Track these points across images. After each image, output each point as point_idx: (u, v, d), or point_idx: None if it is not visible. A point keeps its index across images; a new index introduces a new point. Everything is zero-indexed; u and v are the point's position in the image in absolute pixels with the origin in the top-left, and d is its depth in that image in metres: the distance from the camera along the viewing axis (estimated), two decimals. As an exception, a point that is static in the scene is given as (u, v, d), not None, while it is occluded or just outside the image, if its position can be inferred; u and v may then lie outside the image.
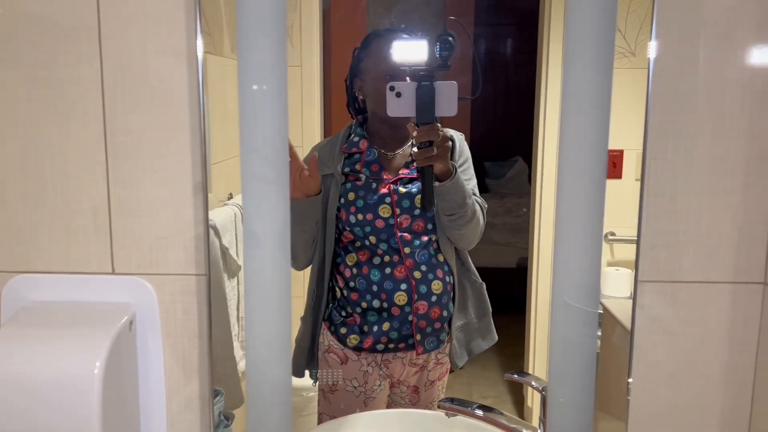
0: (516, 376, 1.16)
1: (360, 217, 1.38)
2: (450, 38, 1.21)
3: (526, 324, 2.55)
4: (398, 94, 1.17)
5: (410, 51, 1.29)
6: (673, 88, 0.90)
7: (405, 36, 1.40)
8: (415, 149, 1.32)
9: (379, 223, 1.38)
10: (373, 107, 1.43)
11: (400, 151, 1.43)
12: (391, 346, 1.44)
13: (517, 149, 3.65)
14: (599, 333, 1.14)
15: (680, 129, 0.91)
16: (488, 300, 1.54)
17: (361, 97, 1.46)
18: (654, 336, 0.95)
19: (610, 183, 0.93)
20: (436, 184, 1.30)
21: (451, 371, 1.55)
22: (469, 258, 1.48)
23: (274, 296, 0.90)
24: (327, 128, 2.57)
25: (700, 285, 0.93)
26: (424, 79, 1.16)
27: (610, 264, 1.49)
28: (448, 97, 1.17)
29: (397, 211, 1.38)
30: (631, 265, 0.94)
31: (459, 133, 1.47)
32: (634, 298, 0.94)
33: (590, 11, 0.85)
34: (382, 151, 1.43)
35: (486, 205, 1.44)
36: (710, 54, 0.89)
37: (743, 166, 0.91)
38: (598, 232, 0.90)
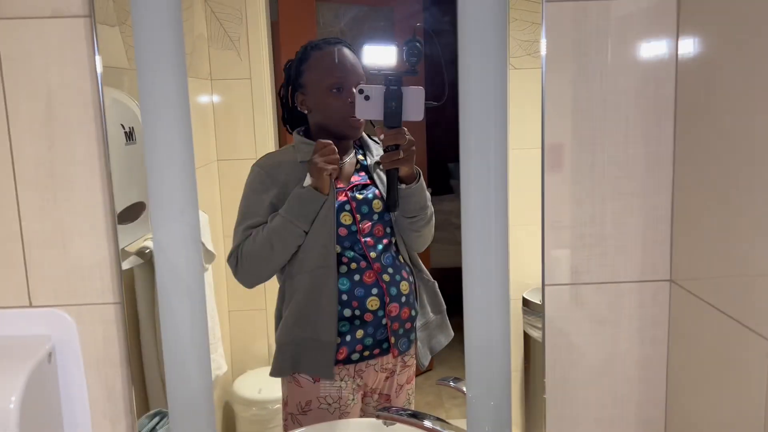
0: (451, 383, 1.17)
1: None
2: (417, 44, 1.23)
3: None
4: (367, 97, 1.20)
5: (379, 55, 1.33)
6: (568, 94, 0.92)
7: (346, 46, 1.42)
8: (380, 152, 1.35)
9: (342, 231, 1.39)
10: (321, 119, 1.44)
11: (347, 159, 1.43)
12: (366, 353, 1.45)
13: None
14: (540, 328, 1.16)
15: (581, 139, 0.92)
16: (441, 297, 1.56)
17: (305, 110, 1.46)
18: (566, 337, 0.97)
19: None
20: (402, 186, 1.33)
21: (419, 373, 1.57)
22: (419, 259, 1.50)
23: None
24: (281, 139, 2.57)
25: (608, 285, 0.95)
26: (392, 83, 1.19)
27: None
28: (415, 102, 1.20)
29: (358, 217, 1.39)
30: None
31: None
32: (542, 301, 0.96)
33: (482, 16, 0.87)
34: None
35: (432, 208, 1.47)
36: (606, 58, 0.91)
37: (642, 170, 0.93)
38: (503, 227, 0.92)
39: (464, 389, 1.12)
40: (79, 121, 0.92)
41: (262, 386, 2.41)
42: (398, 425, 1.17)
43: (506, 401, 0.94)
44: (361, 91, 1.20)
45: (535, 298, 2.19)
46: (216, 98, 2.44)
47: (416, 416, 1.12)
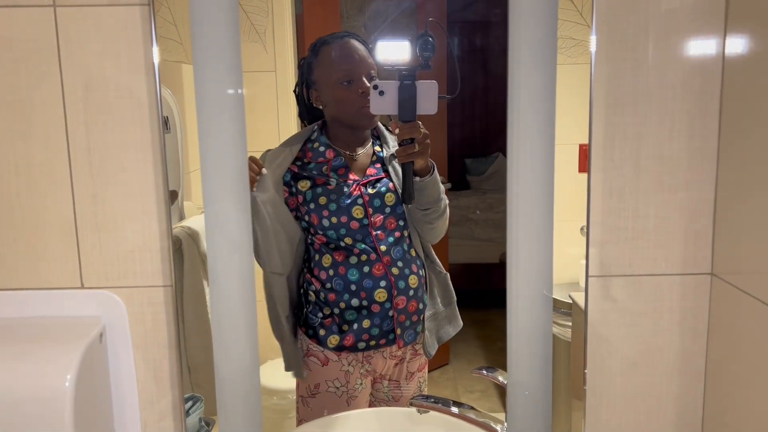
0: (484, 372, 1.19)
1: (334, 220, 1.41)
2: (430, 38, 1.25)
3: (508, 316, 2.59)
4: (381, 93, 1.22)
5: (393, 51, 1.34)
6: (617, 87, 0.93)
7: (354, 39, 1.43)
8: (396, 146, 1.39)
9: (354, 225, 1.41)
10: (335, 113, 1.46)
11: (362, 151, 1.46)
12: (372, 343, 1.47)
13: (497, 145, 3.69)
14: (570, 324, 1.18)
15: (625, 128, 0.94)
16: (452, 289, 1.58)
17: (319, 106, 1.48)
18: (608, 328, 0.98)
19: (583, 177, 0.97)
20: (416, 179, 1.35)
21: (435, 367, 1.59)
22: (432, 250, 1.52)
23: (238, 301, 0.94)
24: (303, 127, 2.60)
25: (650, 278, 0.96)
26: (406, 78, 1.21)
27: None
28: (428, 96, 1.22)
29: (370, 210, 1.41)
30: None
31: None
32: (585, 292, 0.97)
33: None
34: (347, 153, 1.46)
35: (447, 201, 1.49)
36: (651, 53, 0.92)
37: (686, 164, 0.94)
38: (549, 222, 0.94)
39: (500, 379, 1.13)
40: (132, 107, 0.94)
41: (283, 376, 2.44)
42: (432, 414, 1.19)
43: (547, 392, 0.95)
44: (375, 87, 1.23)
45: (557, 294, 2.20)
46: (242, 90, 2.46)
47: (450, 404, 1.14)
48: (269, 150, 1.52)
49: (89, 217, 0.96)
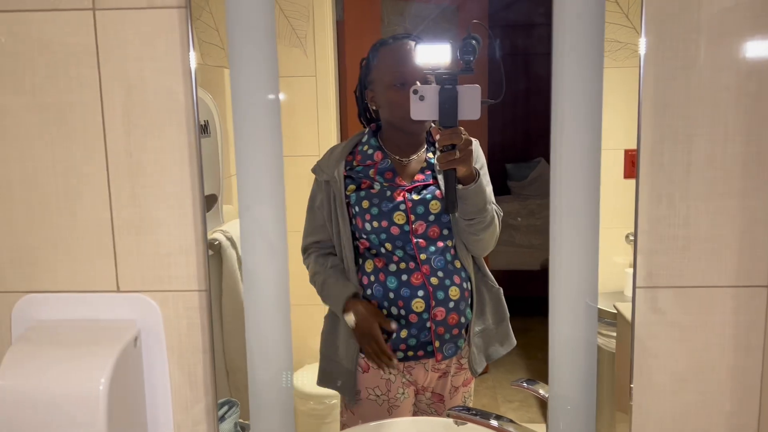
0: (524, 384, 1.15)
1: (375, 224, 1.39)
2: (473, 41, 1.21)
3: (550, 325, 2.53)
4: (421, 98, 1.19)
5: (433, 54, 1.29)
6: (666, 90, 0.89)
7: (413, 41, 1.41)
8: (438, 153, 1.33)
9: (394, 230, 1.38)
10: (387, 116, 1.44)
11: (414, 156, 1.43)
12: (411, 353, 1.44)
13: (539, 150, 3.63)
14: (614, 335, 1.13)
15: (675, 132, 0.89)
16: (506, 305, 1.53)
17: (374, 107, 1.46)
18: (656, 341, 0.93)
19: (629, 183, 0.93)
20: (459, 187, 1.30)
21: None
22: (485, 263, 1.47)
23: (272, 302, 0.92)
24: (343, 137, 2.58)
25: (702, 290, 0.91)
26: (447, 82, 1.17)
27: (631, 265, 1.47)
28: (471, 101, 1.18)
29: (412, 217, 1.38)
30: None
31: (473, 139, 1.47)
32: (633, 304, 0.93)
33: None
34: (397, 157, 1.43)
35: (501, 213, 1.42)
36: (704, 55, 0.87)
37: (741, 170, 0.89)
38: (594, 232, 0.90)
39: (541, 392, 1.09)
40: (170, 111, 0.93)
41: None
42: (470, 426, 1.15)
43: (591, 406, 0.91)
44: (415, 92, 1.19)
45: (601, 304, 2.13)
46: (281, 95, 2.47)
47: (488, 417, 1.10)
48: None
49: (126, 221, 0.96)
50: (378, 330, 1.40)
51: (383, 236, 1.38)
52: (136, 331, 0.96)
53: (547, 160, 2.82)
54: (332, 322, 1.48)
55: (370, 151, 1.45)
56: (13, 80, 0.93)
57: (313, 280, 1.45)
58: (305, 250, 1.50)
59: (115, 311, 0.98)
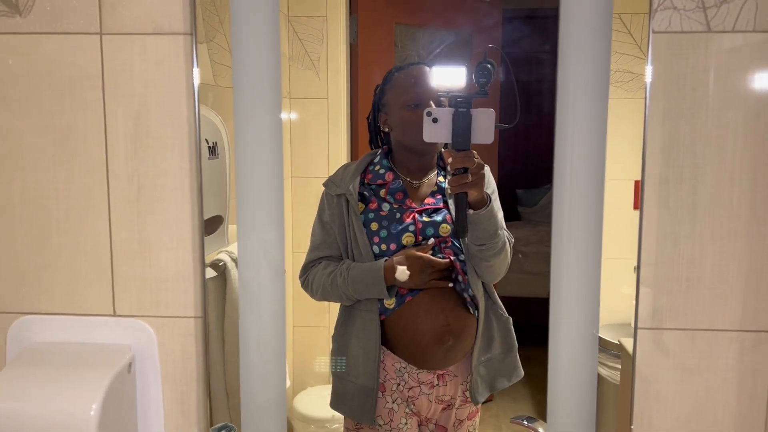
0: (524, 422, 1.12)
1: (384, 247, 1.37)
2: (489, 65, 1.19)
3: (551, 355, 2.49)
4: (435, 120, 1.17)
5: (448, 77, 1.30)
6: (670, 128, 0.87)
7: (428, 66, 1.39)
8: (449, 176, 1.30)
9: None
10: (400, 137, 1.43)
11: (425, 179, 1.41)
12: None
13: (549, 177, 3.61)
14: (618, 369, 1.10)
15: (680, 175, 0.87)
16: (514, 335, 1.49)
17: (386, 129, 1.45)
18: (658, 384, 0.90)
19: (638, 214, 0.91)
20: (470, 212, 1.28)
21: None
22: (495, 292, 1.44)
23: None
24: (353, 156, 2.57)
25: (706, 333, 0.89)
26: (461, 105, 1.15)
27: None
28: (484, 124, 1.16)
29: (420, 239, 1.37)
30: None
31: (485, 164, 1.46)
32: (634, 345, 0.90)
33: (584, 33, 0.83)
34: (408, 179, 1.42)
35: (513, 239, 1.40)
36: (712, 92, 0.85)
37: (748, 212, 0.86)
38: (597, 259, 0.87)
39: (540, 430, 1.06)
40: (172, 136, 0.92)
41: (322, 404, 2.39)
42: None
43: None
44: (429, 114, 1.17)
45: (607, 335, 2.09)
46: (293, 116, 2.47)
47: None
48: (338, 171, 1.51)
49: (125, 245, 0.95)
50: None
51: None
52: (130, 357, 0.95)
53: (557, 186, 2.76)
54: (343, 338, 1.45)
55: (381, 171, 1.43)
56: (19, 102, 0.93)
57: (327, 284, 1.41)
58: (307, 266, 1.47)
59: (110, 335, 0.96)
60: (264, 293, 0.94)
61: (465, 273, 1.37)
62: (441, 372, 1.43)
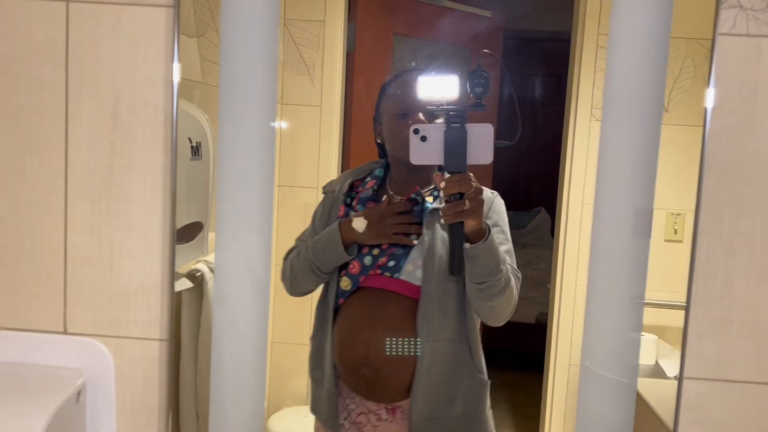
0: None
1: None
2: (484, 74, 1.01)
3: (544, 385, 2.35)
4: (423, 138, 0.98)
5: (438, 87, 1.06)
6: (731, 153, 0.73)
7: (416, 73, 1.19)
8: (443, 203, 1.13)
9: (354, 269, 1.22)
10: (390, 149, 1.27)
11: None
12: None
13: (540, 200, 3.49)
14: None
15: (739, 201, 0.73)
16: (488, 399, 1.26)
17: (379, 140, 1.30)
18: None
19: (668, 246, 0.78)
20: (467, 246, 1.08)
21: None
22: (479, 343, 1.25)
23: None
24: (345, 167, 2.44)
25: (755, 386, 0.75)
26: (454, 120, 0.97)
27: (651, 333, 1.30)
28: (482, 142, 0.97)
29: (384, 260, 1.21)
30: (657, 331, 0.76)
31: (491, 191, 1.28)
32: (678, 396, 0.76)
33: (636, 56, 0.70)
34: (392, 193, 1.27)
35: (520, 276, 1.19)
36: (777, 110, 0.72)
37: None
38: (639, 297, 0.73)
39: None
40: (145, 126, 0.77)
41: (299, 426, 2.23)
42: None
43: None
44: (416, 131, 0.98)
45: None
46: (284, 123, 2.32)
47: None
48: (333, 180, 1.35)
49: (82, 251, 0.79)
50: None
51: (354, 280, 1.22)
52: (80, 383, 0.78)
53: (548, 209, 2.63)
54: (318, 341, 1.27)
55: (368, 179, 1.29)
56: (-36, 76, 0.78)
57: (294, 258, 1.27)
58: (287, 254, 1.32)
59: (58, 356, 0.80)
60: (247, 306, 0.78)
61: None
62: (389, 406, 1.23)
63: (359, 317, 1.22)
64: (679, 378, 0.75)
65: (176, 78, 0.76)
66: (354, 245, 1.20)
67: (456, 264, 1.06)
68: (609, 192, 0.72)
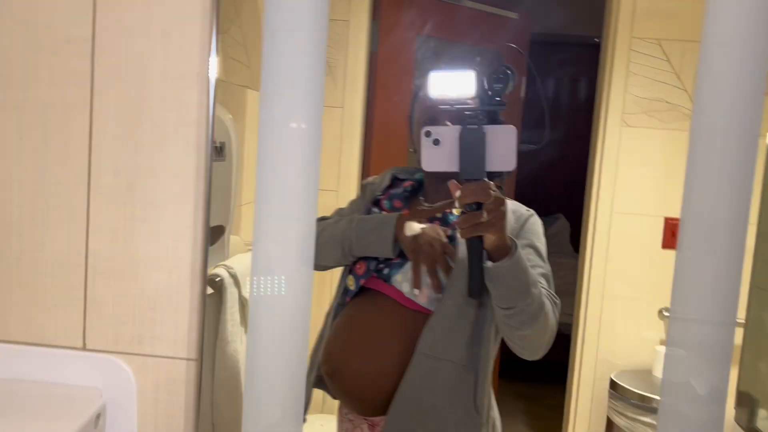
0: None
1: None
2: (507, 70, 0.90)
3: (567, 398, 2.26)
4: (436, 141, 0.87)
5: (452, 84, 0.95)
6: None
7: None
8: (456, 213, 1.02)
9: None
10: (418, 158, 1.18)
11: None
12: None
13: (559, 206, 3.40)
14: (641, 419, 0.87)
15: None
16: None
17: (412, 149, 1.20)
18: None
19: (667, 253, 0.69)
20: (489, 264, 0.95)
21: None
22: (488, 381, 1.08)
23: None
24: (365, 170, 2.36)
25: None
26: (471, 121, 0.86)
27: (662, 342, 1.21)
28: (504, 146, 0.86)
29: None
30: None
31: (526, 209, 1.17)
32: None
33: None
34: (422, 199, 1.18)
35: (559, 303, 1.05)
36: None
37: None
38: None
39: None
40: (177, 124, 0.70)
41: (316, 435, 2.16)
42: None
43: None
44: (428, 134, 0.87)
45: (624, 382, 1.86)
46: (303, 125, 2.25)
47: None
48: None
49: (104, 260, 0.71)
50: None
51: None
52: (100, 405, 0.71)
53: (567, 216, 2.54)
54: (320, 334, 1.18)
55: (407, 180, 1.20)
56: (-20, 66, 0.70)
57: (329, 225, 1.16)
58: (325, 218, 1.22)
59: (76, 374, 0.72)
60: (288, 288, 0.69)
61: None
62: (372, 420, 1.12)
63: (353, 318, 1.13)
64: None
65: (213, 74, 0.68)
66: (398, 244, 1.09)
67: (475, 284, 0.94)
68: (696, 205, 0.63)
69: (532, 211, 1.14)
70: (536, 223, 1.12)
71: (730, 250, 0.60)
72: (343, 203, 2.57)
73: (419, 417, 1.02)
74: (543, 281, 1.04)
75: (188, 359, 0.71)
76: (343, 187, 2.28)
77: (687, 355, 0.62)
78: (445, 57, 2.56)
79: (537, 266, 1.06)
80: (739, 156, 0.60)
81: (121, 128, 0.70)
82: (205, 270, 0.70)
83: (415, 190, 1.22)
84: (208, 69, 0.69)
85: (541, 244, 1.10)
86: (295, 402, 0.67)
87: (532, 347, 1.02)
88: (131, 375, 0.72)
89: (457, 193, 0.90)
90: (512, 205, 1.14)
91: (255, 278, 0.66)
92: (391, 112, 2.40)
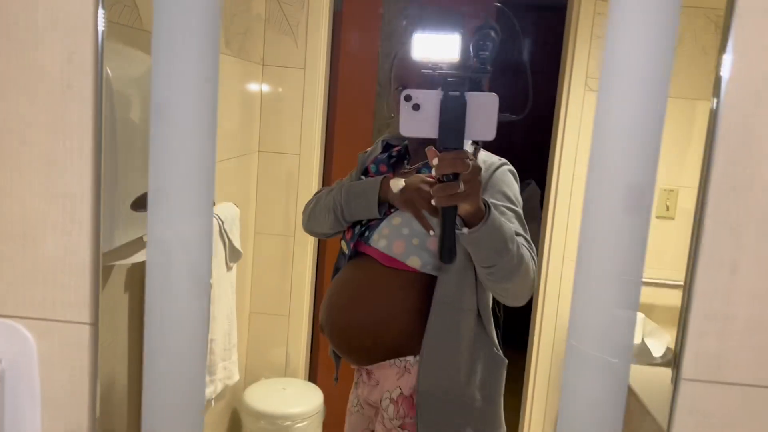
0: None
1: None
2: (492, 32, 0.89)
3: (527, 366, 2.27)
4: (416, 106, 0.83)
5: (437, 47, 0.91)
6: (745, 127, 0.62)
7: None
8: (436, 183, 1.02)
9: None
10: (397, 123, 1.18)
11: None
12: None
13: (530, 172, 3.38)
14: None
15: (750, 180, 0.63)
16: (503, 382, 1.24)
17: (392, 114, 1.19)
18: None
19: (657, 222, 0.68)
20: (464, 230, 0.96)
21: None
22: (491, 315, 1.18)
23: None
24: (329, 138, 2.31)
25: (762, 390, 0.65)
26: (453, 87, 0.83)
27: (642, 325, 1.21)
28: (485, 114, 0.82)
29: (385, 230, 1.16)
30: (644, 309, 0.67)
31: (498, 158, 1.17)
32: (673, 399, 0.66)
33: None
34: (405, 162, 1.19)
35: (535, 250, 1.08)
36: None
37: None
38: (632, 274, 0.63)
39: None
40: (73, 73, 0.65)
41: (275, 398, 2.16)
42: None
43: None
44: (407, 98, 0.83)
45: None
46: (265, 86, 2.18)
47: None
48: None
49: (1, 220, 0.67)
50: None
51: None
52: (-2, 371, 0.68)
53: (539, 183, 2.52)
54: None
55: (394, 142, 1.23)
56: None
57: (323, 194, 1.23)
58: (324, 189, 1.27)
59: (-27, 340, 0.69)
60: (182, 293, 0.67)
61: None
62: (366, 367, 1.18)
63: (342, 279, 1.17)
64: (676, 380, 0.65)
65: (102, 8, 0.63)
66: (385, 205, 1.13)
67: (445, 251, 0.92)
68: (605, 166, 0.61)
69: (504, 160, 1.14)
70: (503, 172, 1.13)
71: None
72: (306, 167, 2.52)
73: (448, 357, 1.10)
74: (521, 230, 1.07)
75: (90, 323, 0.68)
76: (306, 151, 2.23)
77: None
78: (410, 17, 2.49)
79: (508, 210, 1.08)
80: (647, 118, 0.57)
81: (12, 72, 0.65)
82: (98, 232, 0.66)
83: (402, 157, 1.23)
84: (99, 11, 0.64)
85: (512, 192, 1.12)
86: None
87: (517, 296, 1.07)
88: (32, 340, 0.68)
89: (435, 161, 0.88)
90: (484, 155, 1.14)
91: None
92: (356, 74, 2.34)
